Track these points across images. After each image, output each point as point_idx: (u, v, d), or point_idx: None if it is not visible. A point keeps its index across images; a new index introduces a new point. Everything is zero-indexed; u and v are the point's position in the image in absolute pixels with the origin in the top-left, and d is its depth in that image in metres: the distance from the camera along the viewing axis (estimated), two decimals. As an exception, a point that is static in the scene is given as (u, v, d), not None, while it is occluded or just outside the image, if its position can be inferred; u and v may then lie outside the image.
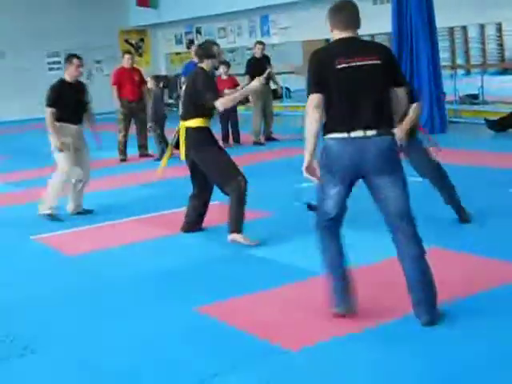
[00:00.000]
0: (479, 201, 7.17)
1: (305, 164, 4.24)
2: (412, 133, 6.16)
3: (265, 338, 4.27)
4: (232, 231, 6.25)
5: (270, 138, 13.29)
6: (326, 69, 4.17)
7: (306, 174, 4.27)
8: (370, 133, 4.13)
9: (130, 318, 4.81)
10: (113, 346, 4.38)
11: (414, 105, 5.98)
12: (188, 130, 6.34)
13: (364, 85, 4.15)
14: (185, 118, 6.39)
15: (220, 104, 6.16)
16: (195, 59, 13.34)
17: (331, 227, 4.41)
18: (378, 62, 4.17)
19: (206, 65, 6.37)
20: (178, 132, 6.43)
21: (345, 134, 4.15)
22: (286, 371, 3.86)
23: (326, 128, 4.24)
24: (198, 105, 6.27)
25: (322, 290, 4.55)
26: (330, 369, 3.86)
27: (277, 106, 14.91)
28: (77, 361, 4.20)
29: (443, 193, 6.49)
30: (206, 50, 6.46)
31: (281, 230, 6.75)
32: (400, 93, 4.35)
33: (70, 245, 6.84)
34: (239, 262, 5.86)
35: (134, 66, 12.90)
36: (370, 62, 4.15)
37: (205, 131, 6.39)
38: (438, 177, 6.48)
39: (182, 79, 13.08)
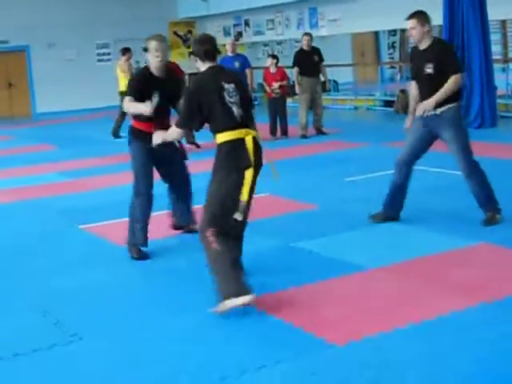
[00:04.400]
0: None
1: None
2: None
3: (311, 331, 4.27)
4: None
5: (319, 131, 13.22)
6: None
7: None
8: None
9: (176, 308, 4.84)
10: (159, 334, 4.42)
11: None
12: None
13: None
14: (248, 125, 4.90)
15: None
16: (230, 53, 13.27)
17: None
18: None
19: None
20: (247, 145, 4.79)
21: None
22: (331, 365, 3.85)
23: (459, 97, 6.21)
24: None
25: (370, 283, 4.52)
26: (374, 363, 3.83)
27: (324, 98, 14.82)
28: (123, 349, 4.26)
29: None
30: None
31: (326, 223, 6.72)
32: None
33: (118, 234, 6.90)
34: (285, 255, 5.85)
35: (171, 60, 13.02)
36: None
37: None
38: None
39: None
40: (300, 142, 12.62)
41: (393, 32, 20.81)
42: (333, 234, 6.36)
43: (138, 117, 5.92)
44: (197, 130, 5.05)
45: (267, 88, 13.29)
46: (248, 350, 4.10)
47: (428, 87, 6.09)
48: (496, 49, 15.00)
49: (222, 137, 4.78)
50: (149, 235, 6.06)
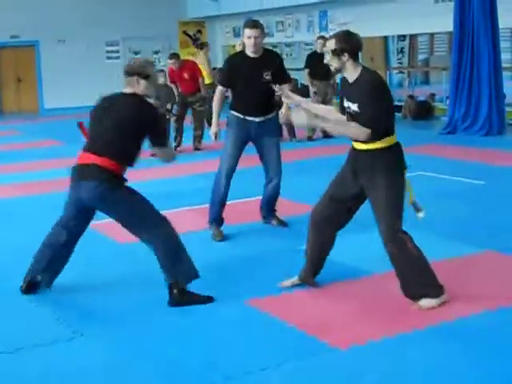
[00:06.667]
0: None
1: None
2: None
3: (314, 334, 4.26)
4: None
5: (326, 134, 13.18)
6: None
7: None
8: None
9: (180, 308, 4.84)
10: (162, 333, 4.43)
11: None
12: None
13: None
14: None
15: None
16: None
17: None
18: None
19: None
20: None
21: None
22: (332, 369, 3.86)
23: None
24: None
25: (374, 289, 4.52)
26: (376, 368, 3.83)
27: (334, 102, 14.77)
28: (125, 346, 4.27)
29: None
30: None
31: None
32: None
33: (124, 232, 6.89)
34: (291, 257, 5.83)
35: (190, 58, 13.06)
36: None
37: None
38: None
39: None
40: (306, 144, 12.62)
41: (402, 37, 20.80)
42: (340, 237, 6.33)
43: (117, 156, 4.89)
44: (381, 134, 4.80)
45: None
46: (251, 351, 4.09)
47: (264, 94, 6.55)
48: (506, 57, 14.95)
49: (391, 139, 4.69)
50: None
